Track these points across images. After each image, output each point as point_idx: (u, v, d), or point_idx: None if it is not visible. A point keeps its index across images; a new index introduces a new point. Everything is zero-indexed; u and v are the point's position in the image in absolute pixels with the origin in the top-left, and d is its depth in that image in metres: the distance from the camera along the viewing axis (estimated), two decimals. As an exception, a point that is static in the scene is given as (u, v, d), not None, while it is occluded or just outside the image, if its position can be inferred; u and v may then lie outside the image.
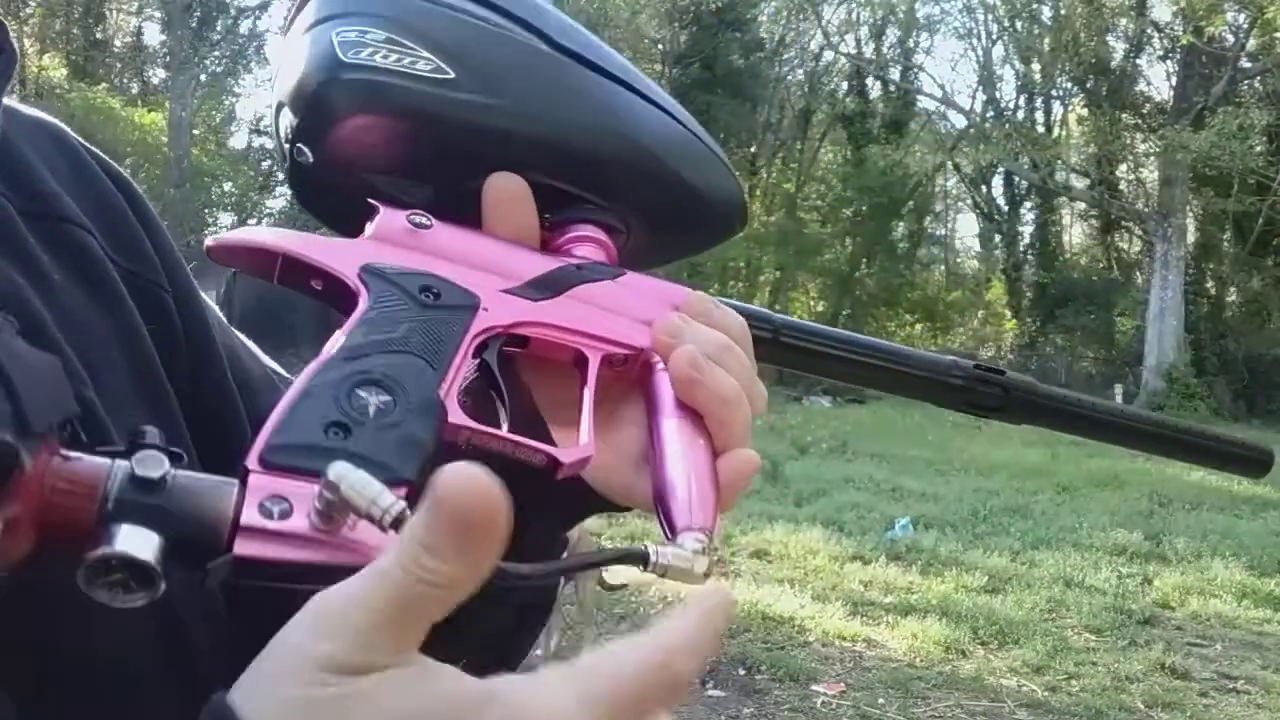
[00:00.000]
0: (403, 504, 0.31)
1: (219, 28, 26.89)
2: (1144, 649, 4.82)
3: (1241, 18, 19.72)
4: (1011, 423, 0.57)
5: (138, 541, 0.30)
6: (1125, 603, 5.55)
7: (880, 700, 4.08)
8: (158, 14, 27.22)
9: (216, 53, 27.22)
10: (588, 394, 0.45)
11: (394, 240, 0.46)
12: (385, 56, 0.47)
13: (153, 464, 0.32)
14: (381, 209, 0.47)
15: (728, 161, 0.55)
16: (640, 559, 0.35)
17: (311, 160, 0.48)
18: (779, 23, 28.13)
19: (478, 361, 0.43)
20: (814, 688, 4.16)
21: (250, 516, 0.32)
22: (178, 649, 0.46)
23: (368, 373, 0.38)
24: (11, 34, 0.50)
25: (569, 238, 0.50)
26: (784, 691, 4.11)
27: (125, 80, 28.91)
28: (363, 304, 0.42)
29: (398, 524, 0.31)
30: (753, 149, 28.80)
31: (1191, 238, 22.62)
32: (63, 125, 0.54)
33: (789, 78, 29.79)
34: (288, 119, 0.49)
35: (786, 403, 16.01)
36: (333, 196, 0.48)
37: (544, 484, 0.42)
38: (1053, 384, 0.59)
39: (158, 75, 29.05)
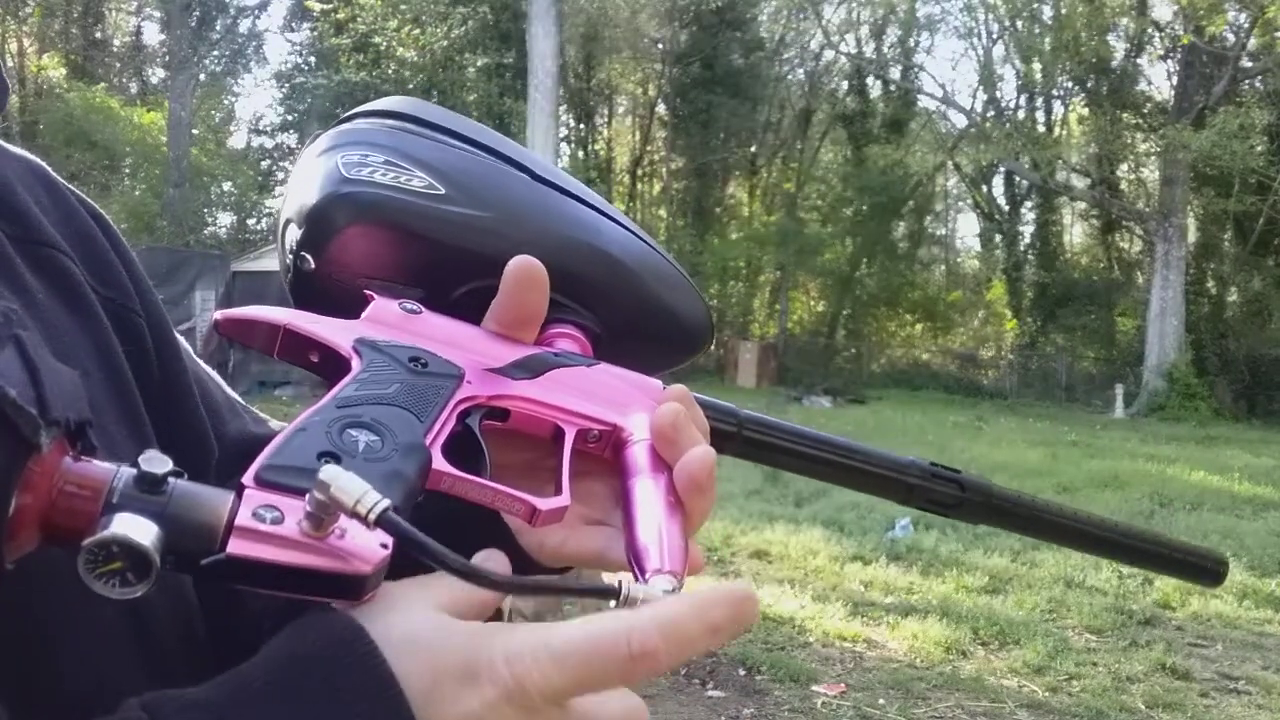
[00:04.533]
0: (388, 502, 0.34)
1: (218, 27, 26.87)
2: (1145, 649, 4.82)
3: (1242, 17, 19.70)
4: (969, 522, 0.59)
5: (136, 527, 0.32)
6: (1126, 603, 5.54)
7: (880, 701, 4.07)
8: (157, 13, 27.24)
9: (216, 52, 27.20)
10: (566, 456, 0.48)
11: (386, 322, 0.50)
12: (384, 174, 0.53)
13: (158, 462, 0.34)
14: (376, 296, 0.52)
15: (693, 283, 0.60)
16: (613, 594, 0.37)
17: (313, 266, 0.53)
18: (779, 22, 28.12)
19: (460, 427, 0.46)
20: (814, 688, 4.16)
21: (244, 519, 0.34)
22: (151, 648, 0.47)
23: (359, 417, 0.41)
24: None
25: (548, 335, 0.55)
26: (784, 692, 4.11)
27: (124, 80, 28.90)
28: (356, 367, 0.46)
29: (382, 521, 0.33)
30: (753, 149, 28.78)
31: (1192, 237, 22.61)
32: (43, 163, 0.57)
33: (789, 77, 29.78)
34: (294, 233, 0.54)
35: (787, 403, 16.00)
36: (330, 300, 0.52)
37: (478, 547, 0.43)
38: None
39: (157, 75, 29.08)
